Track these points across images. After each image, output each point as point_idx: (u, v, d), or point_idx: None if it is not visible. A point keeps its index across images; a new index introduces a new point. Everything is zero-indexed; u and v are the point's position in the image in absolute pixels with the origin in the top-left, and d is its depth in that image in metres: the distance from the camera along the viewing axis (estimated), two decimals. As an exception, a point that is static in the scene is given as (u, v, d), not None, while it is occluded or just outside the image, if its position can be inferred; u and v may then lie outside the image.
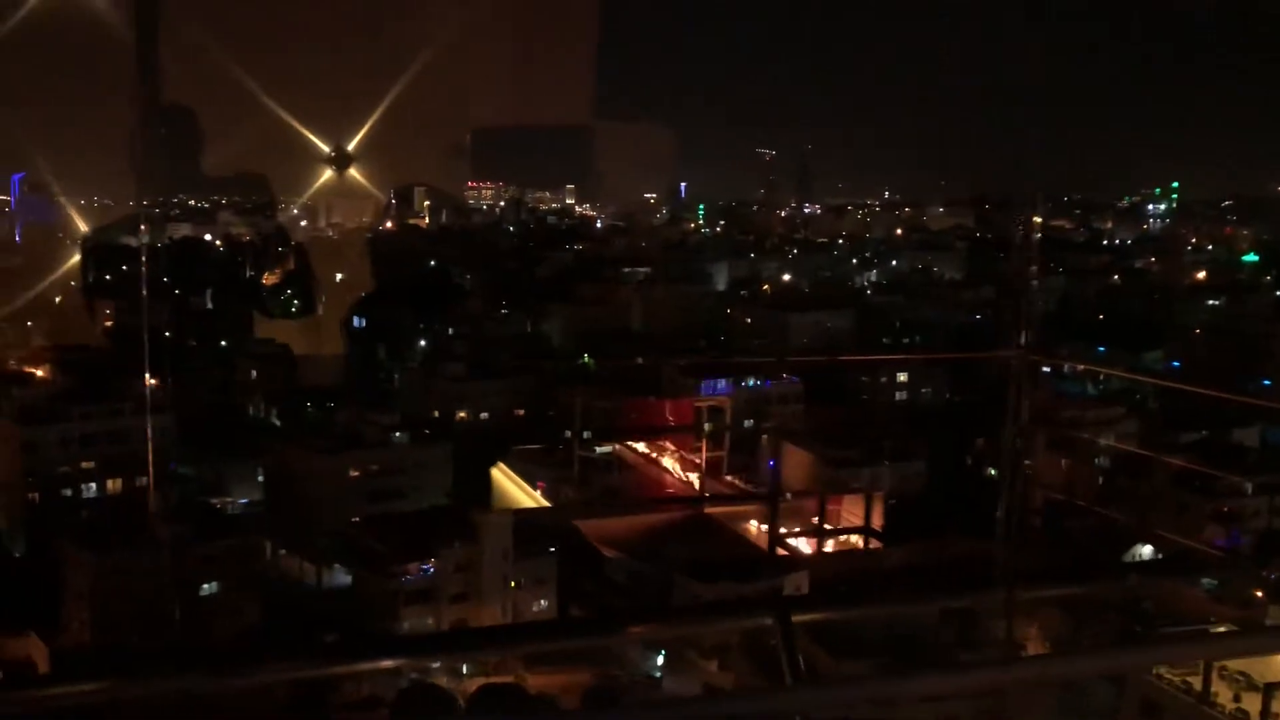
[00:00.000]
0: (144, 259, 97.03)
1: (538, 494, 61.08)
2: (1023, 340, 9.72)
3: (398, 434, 62.58)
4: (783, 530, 56.40)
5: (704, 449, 63.61)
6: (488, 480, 62.21)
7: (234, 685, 4.11)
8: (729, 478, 63.79)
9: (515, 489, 61.81)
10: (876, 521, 57.41)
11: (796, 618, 4.43)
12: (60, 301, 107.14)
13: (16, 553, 55.52)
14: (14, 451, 58.83)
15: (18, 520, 56.25)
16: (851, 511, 58.17)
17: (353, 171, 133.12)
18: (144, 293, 77.74)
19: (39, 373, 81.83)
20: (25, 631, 48.28)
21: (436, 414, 71.62)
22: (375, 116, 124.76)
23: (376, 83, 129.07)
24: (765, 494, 57.94)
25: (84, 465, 60.81)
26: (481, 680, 42.29)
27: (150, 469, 58.94)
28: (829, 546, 58.09)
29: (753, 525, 57.81)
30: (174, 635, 43.62)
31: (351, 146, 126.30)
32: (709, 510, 58.67)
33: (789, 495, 58.17)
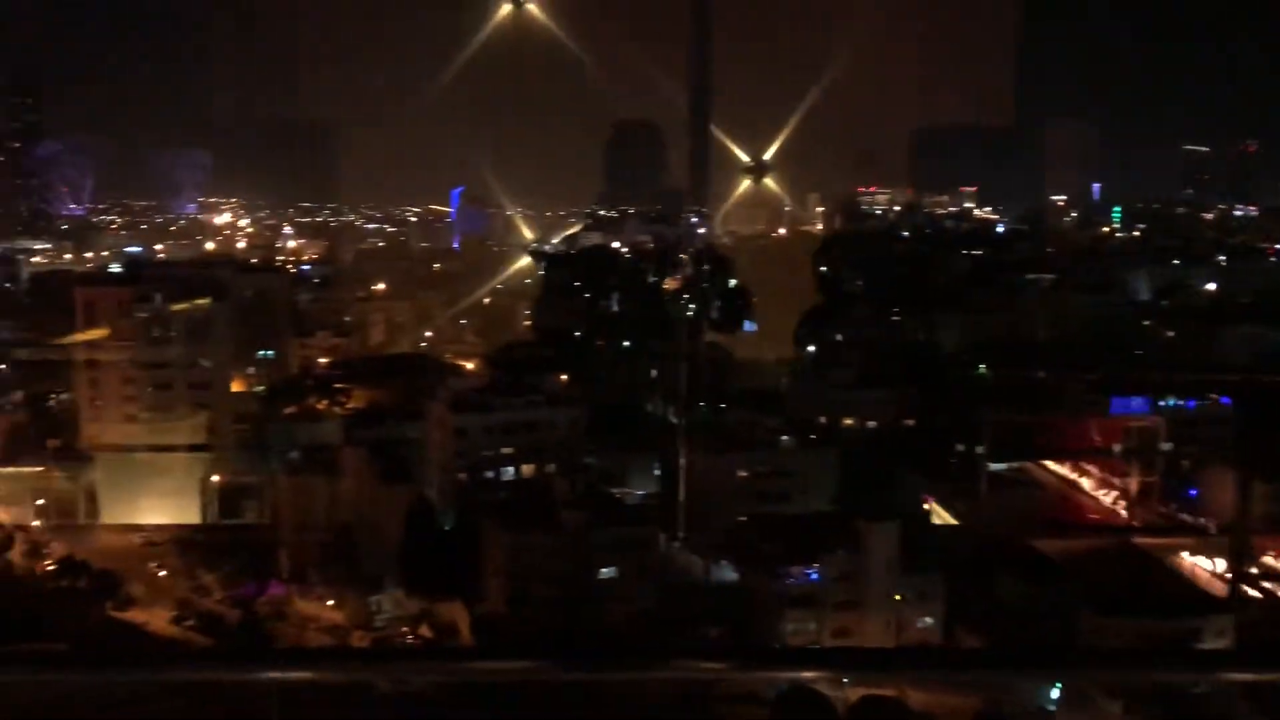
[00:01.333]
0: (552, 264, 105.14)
1: (931, 507, 59.44)
2: None
3: (785, 438, 63.34)
4: (1225, 568, 50.86)
5: (1135, 473, 58.67)
6: (872, 488, 61.37)
7: (640, 678, 4.24)
8: (1162, 507, 58.55)
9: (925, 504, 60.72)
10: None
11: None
12: (489, 303, 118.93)
13: (446, 526, 62.07)
14: (448, 435, 65.95)
15: (449, 497, 62.89)
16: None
17: (767, 180, 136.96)
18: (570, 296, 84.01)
19: (470, 366, 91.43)
20: (453, 598, 54.04)
21: (823, 419, 71.68)
22: (790, 126, 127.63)
23: (791, 92, 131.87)
24: (1202, 525, 52.52)
25: (504, 451, 67.04)
26: (864, 691, 41.71)
27: (557, 458, 63.97)
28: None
29: (1186, 559, 52.62)
30: (575, 615, 46.84)
31: (768, 156, 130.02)
32: (1137, 540, 54.06)
33: (1213, 529, 52.38)
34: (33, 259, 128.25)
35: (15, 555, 63.05)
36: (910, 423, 72.57)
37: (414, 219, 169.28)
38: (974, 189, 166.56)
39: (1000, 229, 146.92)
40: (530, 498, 59.36)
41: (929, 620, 49.64)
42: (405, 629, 54.22)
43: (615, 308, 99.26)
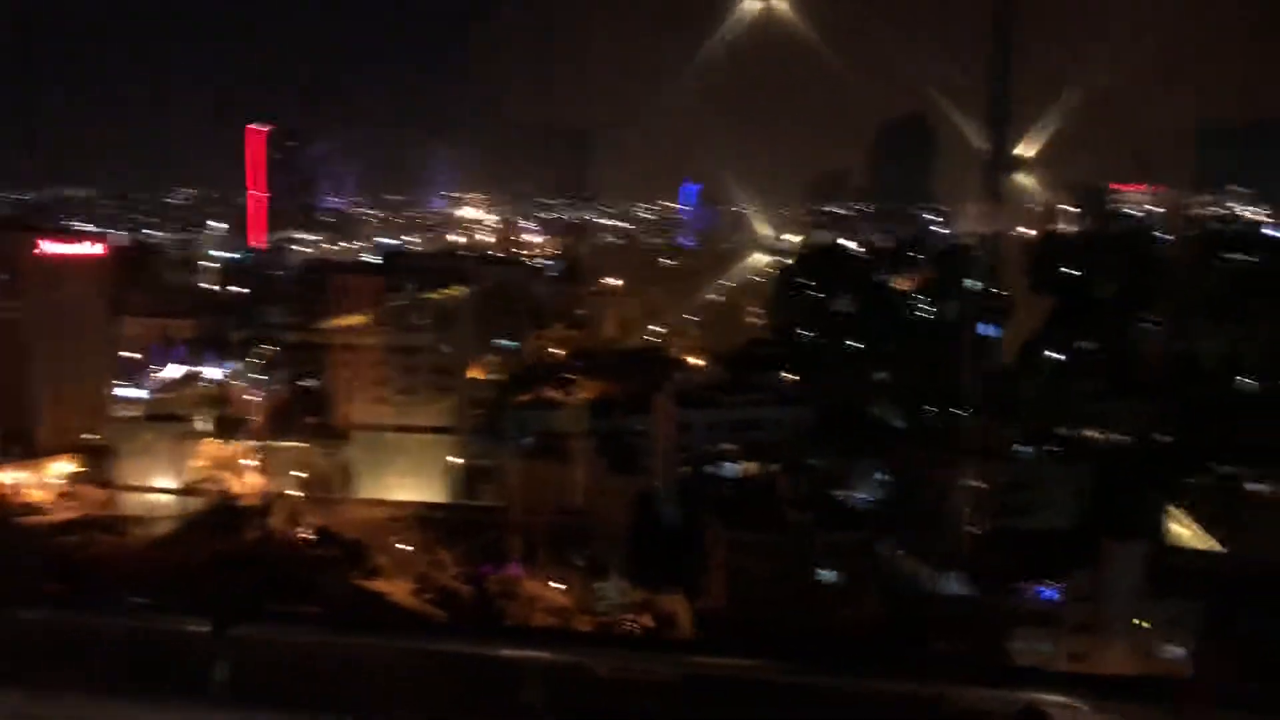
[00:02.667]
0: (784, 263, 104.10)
1: (1185, 529, 55.25)
2: None
3: (1024, 448, 60.40)
4: None
5: None
6: (1118, 505, 57.57)
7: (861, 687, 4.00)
8: None
9: (1178, 525, 56.63)
10: None
11: None
12: (718, 299, 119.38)
13: (670, 518, 62.63)
14: (673, 429, 66.65)
15: (673, 489, 63.50)
16: None
17: (1021, 177, 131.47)
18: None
19: (698, 361, 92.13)
20: (675, 589, 54.53)
21: (1064, 430, 67.86)
22: (1046, 122, 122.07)
23: (1050, 89, 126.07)
24: None
25: (727, 447, 67.12)
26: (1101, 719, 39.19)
27: (781, 457, 63.34)
28: None
29: None
30: (796, 616, 46.23)
31: (1021, 151, 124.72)
32: None
33: None
34: (303, 249, 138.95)
35: (276, 521, 68.34)
36: (1164, 437, 67.65)
37: (649, 215, 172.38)
38: (1241, 189, 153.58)
39: (1270, 231, 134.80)
40: (754, 495, 59.09)
41: (1178, 650, 46.05)
42: (628, 616, 55.08)
43: (846, 307, 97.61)
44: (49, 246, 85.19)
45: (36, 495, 73.43)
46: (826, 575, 50.63)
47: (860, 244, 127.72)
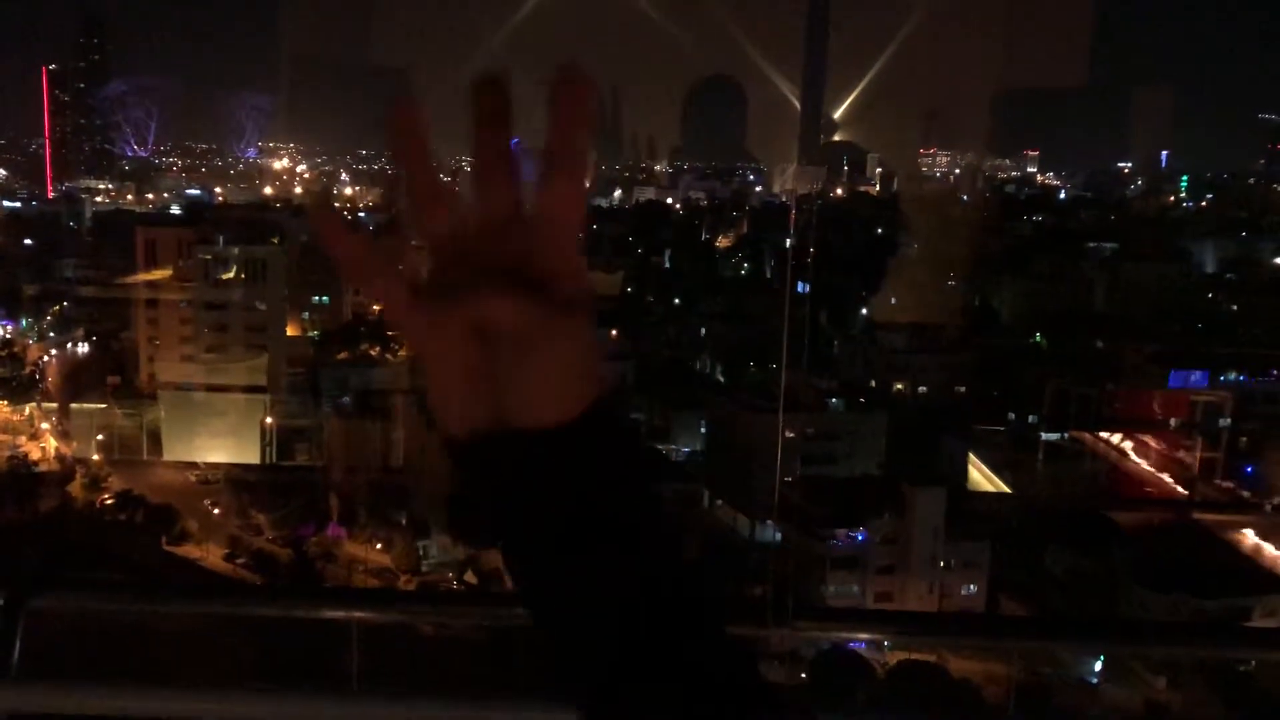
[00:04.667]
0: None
1: (981, 475, 59.06)
2: None
3: (834, 400, 63.10)
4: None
5: (1199, 448, 57.86)
6: (920, 453, 61.10)
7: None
8: (1222, 483, 57.70)
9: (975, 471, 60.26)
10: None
11: None
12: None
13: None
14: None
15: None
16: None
17: (837, 138, 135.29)
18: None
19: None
20: (497, 544, 54.79)
21: (874, 384, 71.32)
22: (861, 85, 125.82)
23: (864, 50, 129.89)
24: (1261, 504, 51.86)
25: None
26: (902, 656, 41.82)
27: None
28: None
29: (1249, 536, 51.96)
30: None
31: (837, 115, 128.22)
32: (1198, 516, 53.46)
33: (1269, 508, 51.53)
34: (96, 199, 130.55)
35: (75, 488, 64.84)
36: (962, 389, 72.03)
37: (469, 168, 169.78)
38: (1036, 153, 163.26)
39: (1063, 195, 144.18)
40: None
41: (973, 588, 49.50)
42: (450, 575, 55.10)
43: (667, 264, 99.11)
44: None
45: None
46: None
47: (679, 201, 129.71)
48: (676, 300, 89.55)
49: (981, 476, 60.09)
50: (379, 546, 58.14)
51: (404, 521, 58.73)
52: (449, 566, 55.79)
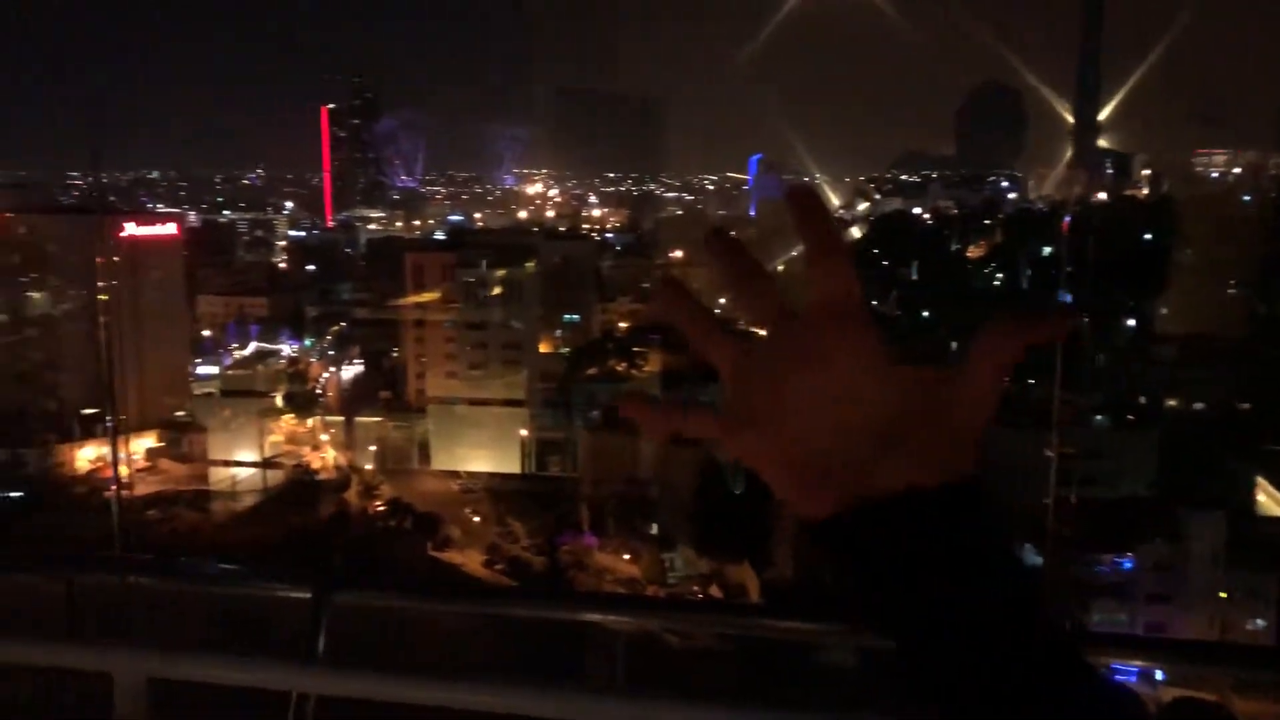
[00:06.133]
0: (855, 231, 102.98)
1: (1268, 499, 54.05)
2: None
3: (1099, 417, 59.43)
4: None
5: None
6: (1197, 474, 56.47)
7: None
8: None
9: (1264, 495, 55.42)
10: None
11: None
12: (784, 270, 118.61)
13: (737, 490, 62.87)
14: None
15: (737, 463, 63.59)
16: None
17: (1102, 142, 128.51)
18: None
19: (765, 333, 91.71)
20: (742, 560, 54.85)
21: (1143, 400, 66.59)
22: (1128, 85, 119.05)
23: (1133, 50, 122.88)
24: None
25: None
26: (1178, 692, 38.68)
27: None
28: None
29: None
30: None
31: (1101, 117, 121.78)
32: None
33: None
34: (369, 227, 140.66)
35: (352, 495, 69.93)
36: (1246, 406, 66.04)
37: (711, 187, 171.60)
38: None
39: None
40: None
41: (1261, 623, 45.22)
42: (696, 587, 55.54)
43: (914, 276, 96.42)
44: (129, 228, 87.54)
45: (122, 471, 75.88)
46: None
47: (930, 211, 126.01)
48: (925, 313, 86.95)
49: (1272, 501, 54.95)
50: (627, 557, 59.39)
51: (651, 534, 59.78)
52: (694, 579, 56.28)
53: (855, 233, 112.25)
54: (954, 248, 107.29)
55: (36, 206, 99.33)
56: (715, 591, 54.73)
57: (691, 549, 57.41)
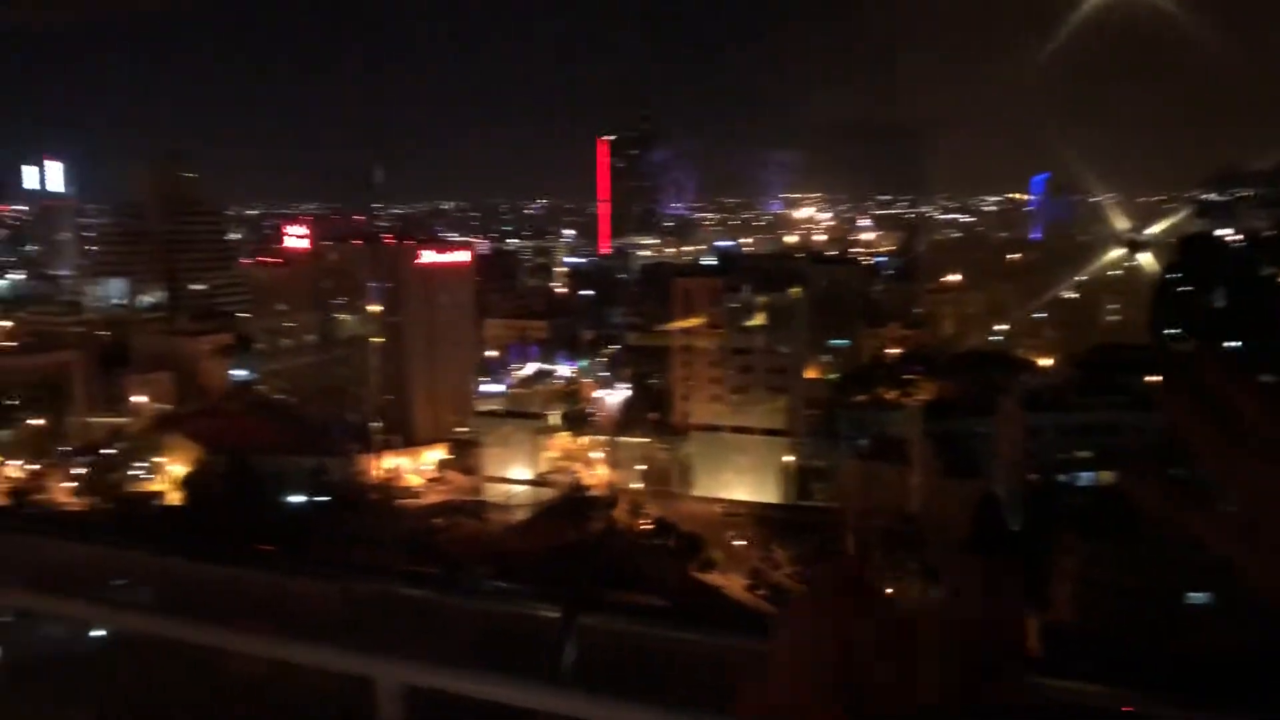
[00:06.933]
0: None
1: None
2: None
3: None
4: None
5: None
6: None
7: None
8: None
9: None
10: None
11: None
12: (1070, 296, 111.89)
13: (1015, 527, 59.59)
14: (1019, 434, 63.35)
15: (1018, 497, 60.36)
16: None
17: None
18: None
19: (1047, 362, 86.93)
20: (1017, 602, 51.89)
21: None
22: None
23: None
24: None
25: (1081, 454, 62.84)
26: None
27: (1141, 466, 58.29)
28: None
29: None
30: (1155, 638, 42.58)
31: None
32: None
33: None
34: (641, 252, 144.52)
35: (619, 512, 71.82)
36: None
37: (991, 208, 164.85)
38: None
39: None
40: (1109, 506, 55.07)
41: None
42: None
43: (1221, 303, 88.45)
44: (424, 256, 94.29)
45: (412, 480, 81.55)
46: (1196, 597, 46.25)
47: (1241, 233, 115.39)
48: (1235, 344, 79.48)
49: None
50: (892, 590, 57.66)
51: (917, 568, 57.75)
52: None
53: (1149, 257, 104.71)
54: (1266, 272, 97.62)
55: (345, 235, 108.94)
56: (987, 633, 52.14)
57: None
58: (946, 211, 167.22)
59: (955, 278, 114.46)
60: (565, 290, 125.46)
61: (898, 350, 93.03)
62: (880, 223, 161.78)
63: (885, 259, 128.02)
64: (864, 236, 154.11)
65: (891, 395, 76.88)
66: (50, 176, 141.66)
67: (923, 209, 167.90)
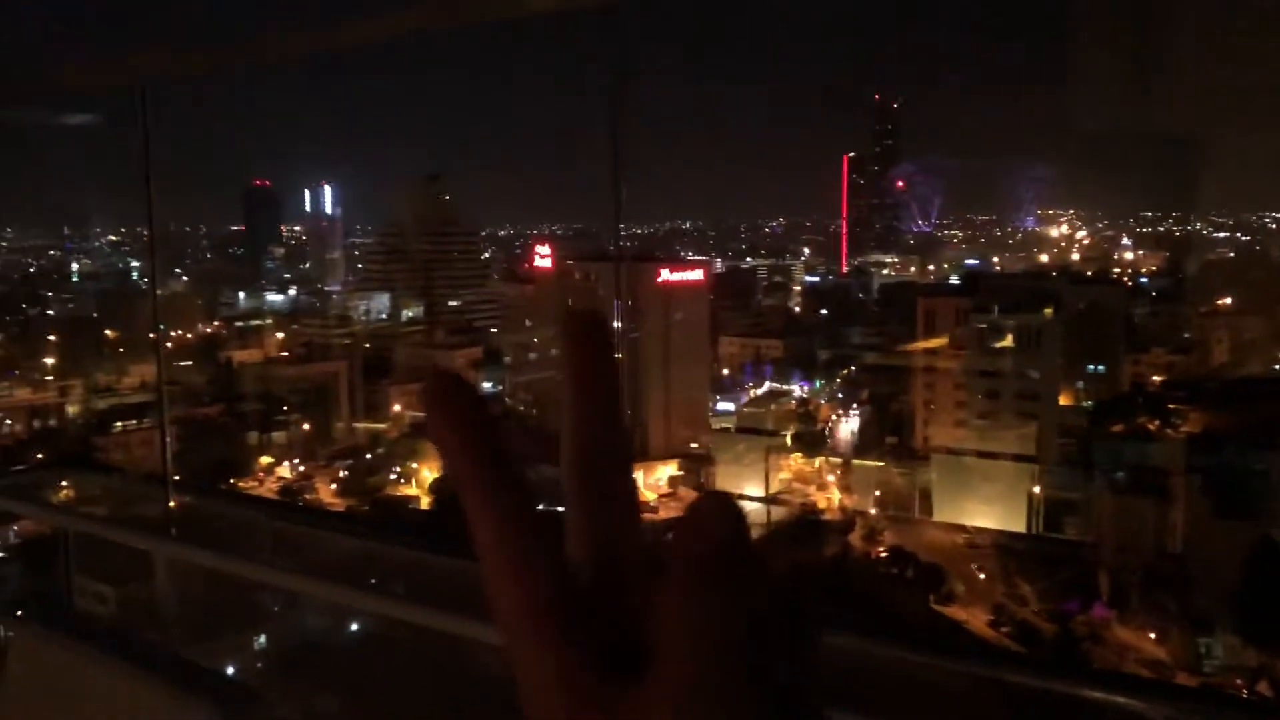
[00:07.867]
0: None
1: None
2: None
3: None
4: None
5: None
6: None
7: None
8: None
9: None
10: None
11: None
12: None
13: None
14: None
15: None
16: None
17: None
18: None
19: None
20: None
21: None
22: None
23: None
24: None
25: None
26: None
27: None
28: None
29: None
30: None
31: None
32: None
33: None
34: (883, 272, 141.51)
35: (855, 538, 70.06)
36: None
37: (1274, 225, 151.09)
38: None
39: None
40: None
41: None
42: (1239, 680, 48.44)
43: None
44: (663, 274, 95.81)
45: (646, 495, 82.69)
46: None
47: None
48: None
49: None
50: (1152, 636, 53.39)
51: (1180, 612, 53.27)
52: (1237, 671, 49.09)
53: None
54: None
55: (590, 254, 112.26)
56: (1263, 689, 47.27)
57: (1236, 636, 50.19)
58: (1220, 229, 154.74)
59: (1228, 300, 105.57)
60: (801, 309, 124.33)
61: (1162, 377, 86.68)
62: (1143, 241, 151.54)
63: (1149, 280, 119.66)
64: (1125, 255, 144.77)
65: (1153, 425, 71.54)
66: (324, 198, 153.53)
67: (1192, 226, 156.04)
